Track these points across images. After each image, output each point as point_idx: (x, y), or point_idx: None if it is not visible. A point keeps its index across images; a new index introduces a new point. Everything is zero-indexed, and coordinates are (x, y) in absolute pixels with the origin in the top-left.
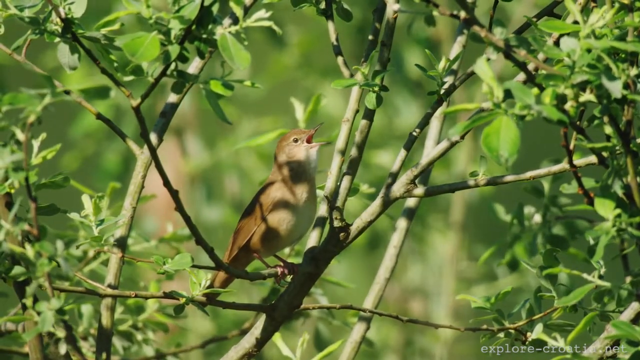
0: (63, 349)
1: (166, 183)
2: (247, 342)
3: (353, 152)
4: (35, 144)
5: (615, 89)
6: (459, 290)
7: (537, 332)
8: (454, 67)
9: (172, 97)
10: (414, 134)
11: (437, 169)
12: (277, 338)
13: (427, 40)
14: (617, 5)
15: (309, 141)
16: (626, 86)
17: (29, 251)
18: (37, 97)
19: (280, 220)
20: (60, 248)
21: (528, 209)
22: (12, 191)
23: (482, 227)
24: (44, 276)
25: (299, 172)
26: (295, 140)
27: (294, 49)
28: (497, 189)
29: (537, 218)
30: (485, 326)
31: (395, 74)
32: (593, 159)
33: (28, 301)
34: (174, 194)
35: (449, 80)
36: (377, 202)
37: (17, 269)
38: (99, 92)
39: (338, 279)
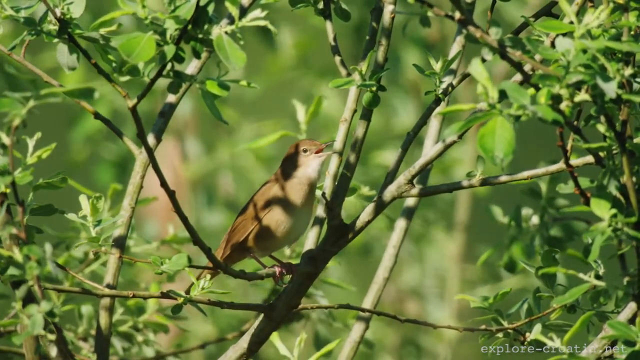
0: (53, 351)
1: (163, 184)
2: (246, 342)
3: (351, 152)
4: (30, 143)
5: (610, 89)
6: (463, 291)
7: (536, 333)
8: (453, 66)
9: (171, 97)
10: (412, 133)
11: (440, 172)
12: (274, 337)
13: (422, 40)
14: (611, 5)
15: (317, 153)
16: (621, 86)
17: (17, 254)
18: (21, 100)
19: (278, 221)
20: (49, 251)
21: (526, 211)
22: (8, 191)
23: (486, 228)
24: (34, 279)
25: (302, 179)
26: (305, 151)
27: (290, 49)
28: (502, 191)
29: (535, 220)
30: (484, 326)
31: (392, 75)
32: (590, 158)
33: (18, 305)
34: (171, 194)
35: (447, 80)
36: (374, 203)
37: (12, 270)
38: (83, 93)
39: (336, 280)
